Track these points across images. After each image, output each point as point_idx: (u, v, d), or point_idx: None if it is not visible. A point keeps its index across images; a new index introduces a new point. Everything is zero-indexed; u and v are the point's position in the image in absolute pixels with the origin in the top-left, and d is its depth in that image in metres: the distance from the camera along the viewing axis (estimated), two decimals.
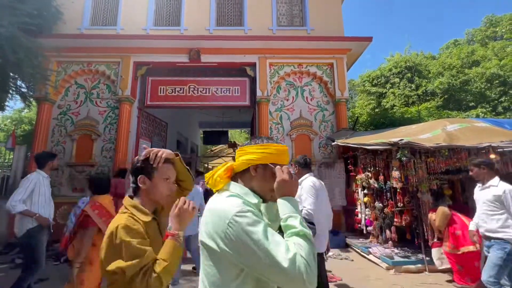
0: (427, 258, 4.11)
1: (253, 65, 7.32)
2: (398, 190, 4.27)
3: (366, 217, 5.18)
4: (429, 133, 4.76)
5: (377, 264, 4.38)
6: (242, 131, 27.46)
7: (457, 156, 4.07)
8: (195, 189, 4.09)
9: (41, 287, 3.64)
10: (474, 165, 2.81)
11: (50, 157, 3.30)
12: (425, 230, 4.14)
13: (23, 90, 6.88)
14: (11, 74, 6.26)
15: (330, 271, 4.11)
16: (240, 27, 7.59)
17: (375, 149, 4.66)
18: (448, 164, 4.13)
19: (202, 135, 15.06)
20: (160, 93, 7.38)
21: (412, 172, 4.10)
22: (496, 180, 2.71)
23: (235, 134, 24.82)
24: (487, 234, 2.69)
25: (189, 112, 11.16)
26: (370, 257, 4.65)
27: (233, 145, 14.67)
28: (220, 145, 16.69)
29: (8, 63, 4.62)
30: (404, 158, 3.97)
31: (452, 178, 4.86)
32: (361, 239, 5.48)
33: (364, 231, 5.30)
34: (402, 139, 4.05)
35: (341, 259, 4.83)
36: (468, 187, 4.96)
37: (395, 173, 4.17)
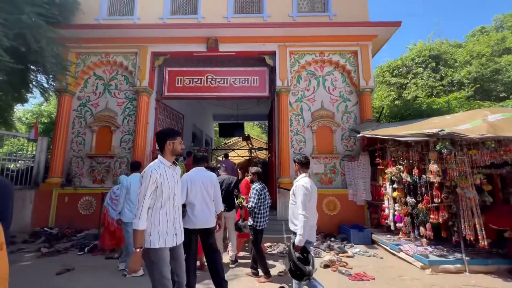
0: (467, 258, 3.82)
1: (272, 54, 7.05)
2: (435, 184, 3.96)
3: (396, 213, 4.90)
4: (468, 123, 4.37)
5: (410, 263, 4.13)
6: (254, 124, 27.27)
7: (505, 148, 3.71)
8: (134, 176, 4.04)
9: (67, 277, 3.62)
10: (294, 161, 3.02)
11: (168, 134, 2.22)
12: (464, 227, 3.83)
13: (42, 83, 6.94)
14: (32, 67, 6.29)
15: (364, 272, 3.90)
16: (259, 14, 7.30)
17: (408, 141, 4.34)
18: (493, 157, 3.78)
19: (217, 128, 14.96)
20: (178, 84, 7.26)
21: (452, 166, 3.78)
22: (300, 176, 2.85)
23: (247, 127, 24.63)
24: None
25: (204, 105, 11.07)
26: (401, 254, 4.39)
27: (247, 138, 14.51)
28: (234, 138, 16.58)
29: (30, 52, 4.58)
30: (445, 150, 3.65)
31: (492, 173, 4.48)
32: (388, 235, 5.21)
33: (392, 227, 5.03)
34: (443, 130, 3.72)
35: (369, 256, 4.60)
36: (511, 182, 4.57)
37: (433, 167, 3.86)
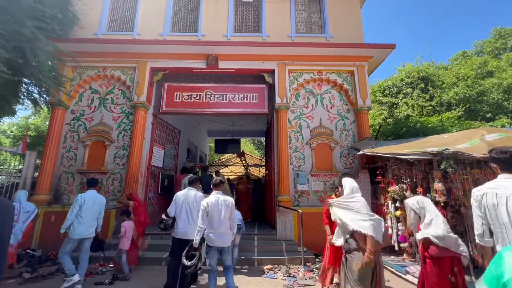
0: (475, 280, 3.72)
1: (271, 72, 7.15)
2: (441, 203, 3.93)
3: (399, 233, 4.81)
4: (467, 143, 4.45)
5: None
6: (247, 140, 27.27)
7: None
8: (89, 193, 4.16)
9: None
10: None
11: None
12: (471, 248, 3.78)
13: (34, 95, 6.76)
14: (24, 79, 6.14)
15: None
16: (258, 33, 7.47)
17: (410, 159, 4.35)
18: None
19: (213, 144, 14.83)
20: (176, 99, 7.19)
21: (457, 185, 3.78)
22: (211, 194, 3.60)
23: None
24: None
25: (199, 120, 10.99)
26: (408, 277, 4.25)
27: (242, 154, 14.38)
28: (228, 154, 16.43)
29: (27, 65, 4.44)
30: (451, 169, 3.66)
31: None
32: (392, 257, 5.08)
33: (396, 248, 4.92)
34: (447, 149, 3.75)
35: None
36: None
37: (438, 185, 3.85)
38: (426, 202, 2.83)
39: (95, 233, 4.12)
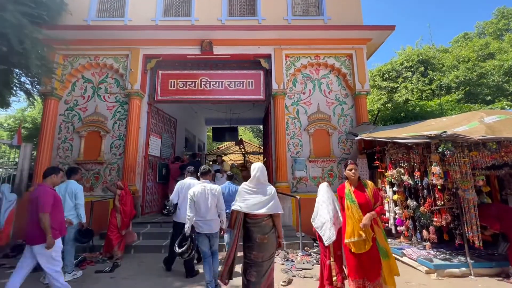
0: (471, 261, 3.78)
1: (268, 57, 6.97)
2: (438, 186, 3.93)
3: (396, 216, 4.84)
4: (465, 125, 4.39)
5: (414, 267, 4.06)
6: (246, 128, 27.13)
7: (505, 149, 3.72)
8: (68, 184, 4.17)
9: None
10: None
11: None
12: (467, 230, 3.80)
13: (27, 86, 6.61)
14: (16, 70, 5.99)
15: None
16: (254, 17, 7.22)
17: (409, 143, 4.31)
18: (494, 158, 3.78)
19: (211, 132, 14.75)
20: (171, 87, 7.05)
21: (455, 168, 3.75)
22: (199, 182, 3.69)
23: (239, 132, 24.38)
24: None
25: (196, 109, 10.87)
26: (404, 259, 4.32)
27: (240, 142, 14.33)
28: (227, 143, 16.39)
29: (13, 53, 4.29)
30: (448, 152, 3.62)
31: (490, 174, 4.50)
32: (389, 239, 5.12)
33: (393, 231, 4.97)
34: (445, 132, 3.69)
35: None
36: (509, 183, 4.61)
37: (435, 169, 3.83)
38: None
39: (80, 224, 4.08)
